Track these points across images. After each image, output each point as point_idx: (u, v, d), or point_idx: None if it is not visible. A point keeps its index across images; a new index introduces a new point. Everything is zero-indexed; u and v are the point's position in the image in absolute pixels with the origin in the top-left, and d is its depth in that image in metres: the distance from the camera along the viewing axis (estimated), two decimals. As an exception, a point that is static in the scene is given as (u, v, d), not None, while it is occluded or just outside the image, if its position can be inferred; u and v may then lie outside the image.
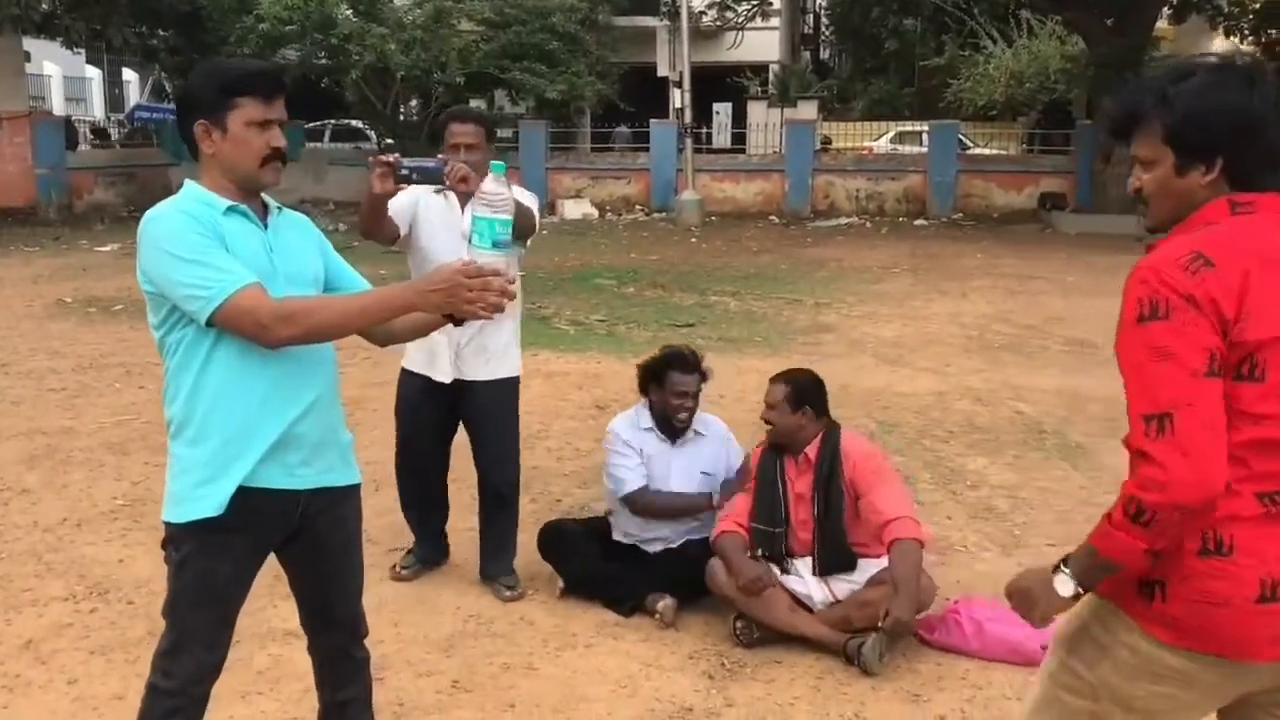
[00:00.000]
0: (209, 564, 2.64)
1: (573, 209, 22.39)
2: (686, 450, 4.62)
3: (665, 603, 4.28)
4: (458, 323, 2.68)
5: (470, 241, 2.46)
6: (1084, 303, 11.39)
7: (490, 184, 2.44)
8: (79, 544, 5.04)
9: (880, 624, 3.89)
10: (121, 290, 12.21)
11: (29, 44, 24.23)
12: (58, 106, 32.83)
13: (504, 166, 2.49)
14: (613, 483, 4.59)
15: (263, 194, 2.72)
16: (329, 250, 2.87)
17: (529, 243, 4.48)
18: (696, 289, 13.17)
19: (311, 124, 27.39)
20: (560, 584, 4.57)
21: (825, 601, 4.18)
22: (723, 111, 29.10)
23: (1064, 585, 2.06)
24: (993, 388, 8.19)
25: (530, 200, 4.38)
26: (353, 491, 2.87)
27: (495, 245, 2.43)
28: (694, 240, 18.76)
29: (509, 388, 4.57)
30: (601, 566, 4.48)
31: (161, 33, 23.84)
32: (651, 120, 23.89)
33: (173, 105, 28.62)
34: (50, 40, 23.10)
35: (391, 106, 23.18)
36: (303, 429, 2.66)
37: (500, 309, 2.46)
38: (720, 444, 4.67)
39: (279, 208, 2.76)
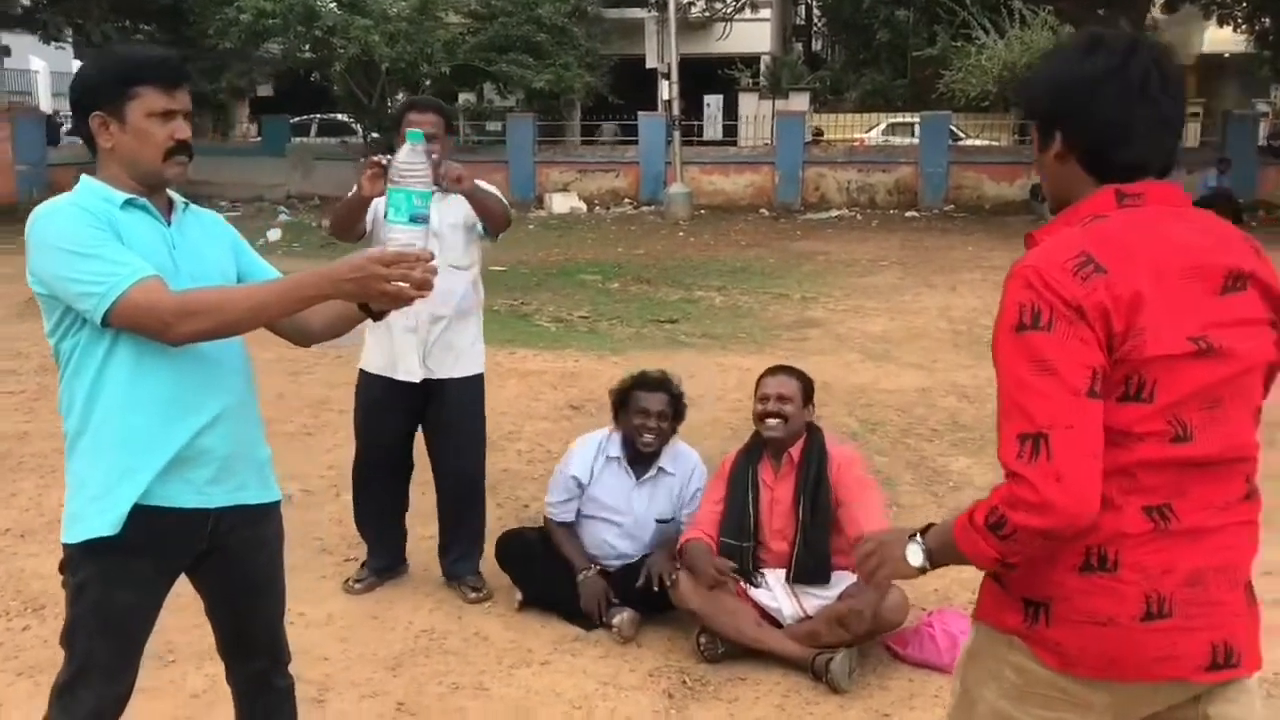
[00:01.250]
0: (108, 589, 2.42)
1: (560, 203, 22.16)
2: (646, 490, 4.37)
3: (623, 616, 4.08)
4: (377, 316, 2.48)
5: (385, 216, 2.24)
6: (1074, 296, 11.15)
7: (405, 154, 2.22)
8: (20, 556, 4.83)
9: (830, 661, 3.70)
10: (95, 288, 11.96)
11: (11, 40, 23.96)
12: (45, 102, 32.50)
13: (420, 135, 2.28)
14: (548, 501, 4.49)
15: (169, 190, 2.51)
16: (243, 248, 2.66)
17: (499, 237, 4.37)
18: (682, 284, 12.97)
19: (298, 118, 27.18)
20: (518, 596, 4.36)
21: (795, 616, 3.97)
22: (713, 103, 28.89)
23: (915, 556, 1.98)
24: (979, 384, 7.98)
25: (494, 190, 4.26)
26: (272, 510, 2.66)
27: (413, 220, 2.21)
28: (682, 234, 18.55)
29: (477, 384, 4.46)
30: (561, 579, 4.27)
31: (144, 27, 23.58)
32: (640, 112, 23.66)
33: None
34: (31, 35, 22.83)
35: (377, 100, 22.93)
36: (209, 442, 2.44)
37: (421, 295, 2.24)
38: (683, 481, 4.39)
39: (185, 204, 2.55)
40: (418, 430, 4.50)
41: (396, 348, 4.25)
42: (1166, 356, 1.76)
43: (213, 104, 27.34)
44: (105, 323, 2.28)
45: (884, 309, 11.20)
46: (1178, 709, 1.88)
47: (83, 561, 2.42)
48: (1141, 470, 1.79)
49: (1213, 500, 1.82)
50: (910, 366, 8.65)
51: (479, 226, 4.25)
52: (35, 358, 8.79)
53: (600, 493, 4.36)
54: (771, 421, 4.04)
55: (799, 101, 26.64)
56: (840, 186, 22.99)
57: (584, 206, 22.35)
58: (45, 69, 35.74)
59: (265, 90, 29.37)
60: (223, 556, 2.56)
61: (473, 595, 4.41)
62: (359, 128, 24.52)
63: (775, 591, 4.03)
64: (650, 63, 22.97)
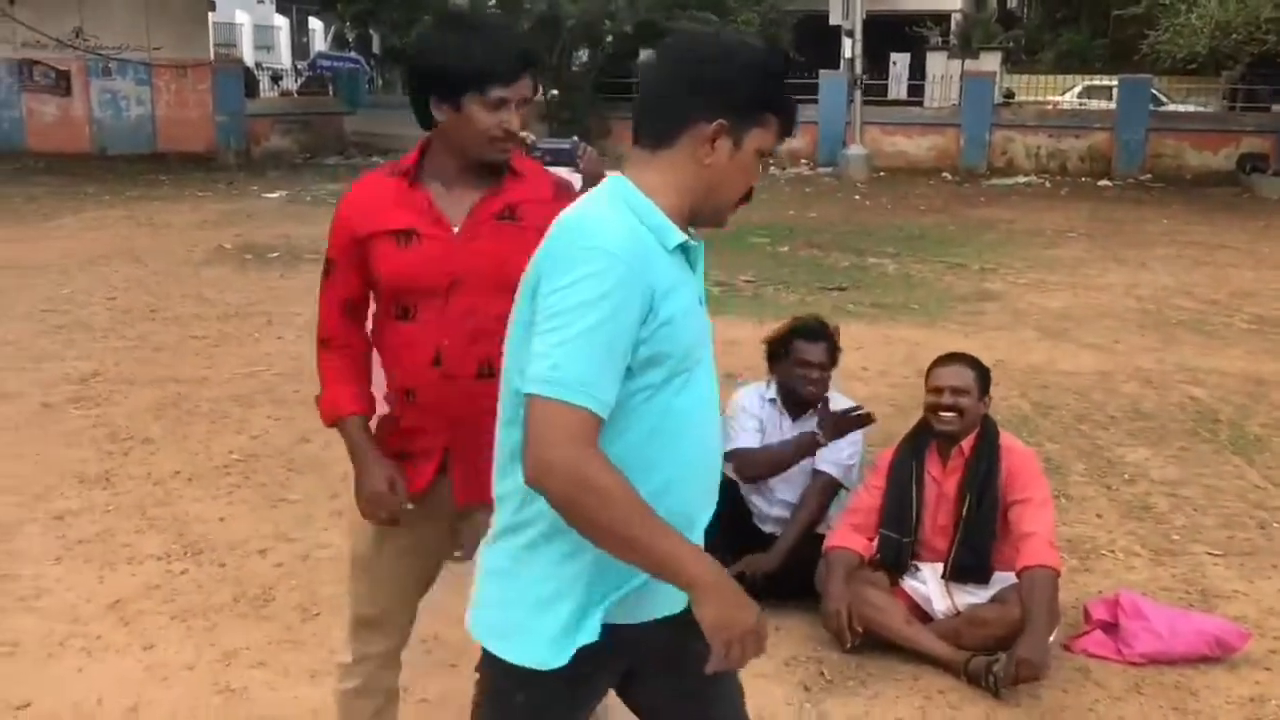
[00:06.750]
0: (543, 706, 1.99)
1: (736, 163, 21.86)
2: (802, 428, 4.27)
3: None
4: None
5: None
6: (1277, 276, 10.38)
7: None
8: (185, 499, 5.02)
9: (994, 665, 3.49)
10: (279, 238, 12.42)
11: (218, -7, 25.05)
12: (247, 54, 34.00)
13: None
14: (726, 442, 4.32)
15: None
16: None
17: None
18: (854, 249, 12.62)
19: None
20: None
21: (947, 612, 3.78)
22: (899, 62, 28.02)
23: None
24: (1165, 369, 7.51)
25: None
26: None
27: None
28: (858, 197, 18.10)
29: None
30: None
31: (341, -18, 24.23)
32: (821, 71, 23.14)
33: (352, 54, 29.27)
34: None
35: (559, 57, 23.07)
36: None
37: None
38: None
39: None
40: None
41: None
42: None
43: (406, 59, 28.04)
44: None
45: (1067, 284, 10.66)
46: None
47: (522, 685, 1.96)
48: None
49: None
50: (1090, 347, 8.19)
51: None
52: (219, 305, 9.15)
53: (765, 440, 4.31)
54: (946, 415, 3.81)
55: (990, 61, 25.59)
56: (1029, 152, 22.03)
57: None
58: (249, 22, 37.41)
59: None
60: (650, 668, 2.08)
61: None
62: (540, 85, 24.72)
63: (930, 585, 3.84)
64: (834, 19, 22.37)
